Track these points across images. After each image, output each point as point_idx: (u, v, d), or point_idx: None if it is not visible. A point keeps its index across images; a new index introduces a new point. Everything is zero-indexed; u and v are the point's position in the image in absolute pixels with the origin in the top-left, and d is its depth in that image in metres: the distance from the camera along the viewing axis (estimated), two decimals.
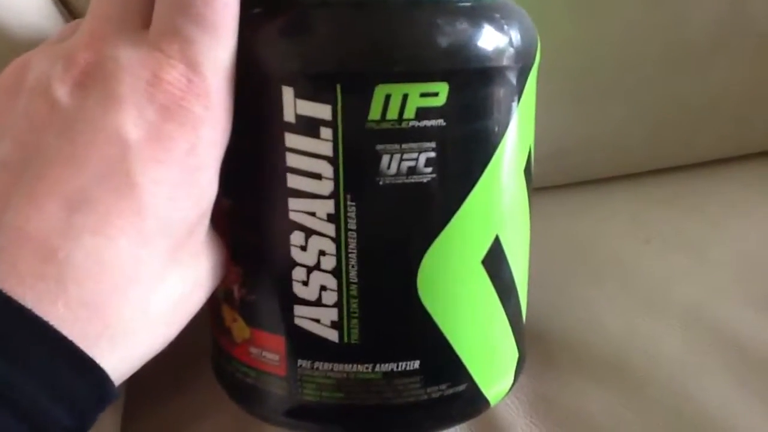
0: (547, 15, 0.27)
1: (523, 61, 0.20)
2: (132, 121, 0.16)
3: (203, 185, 0.17)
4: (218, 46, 0.17)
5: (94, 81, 0.16)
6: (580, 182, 0.37)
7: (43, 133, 0.16)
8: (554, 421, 0.25)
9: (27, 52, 0.18)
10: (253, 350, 0.20)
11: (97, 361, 0.15)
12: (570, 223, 0.34)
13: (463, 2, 0.18)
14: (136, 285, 0.15)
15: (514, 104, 0.20)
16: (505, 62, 0.19)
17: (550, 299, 0.29)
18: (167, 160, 0.16)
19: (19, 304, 0.14)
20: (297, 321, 0.19)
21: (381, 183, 0.18)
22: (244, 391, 0.21)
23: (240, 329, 0.20)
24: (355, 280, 0.19)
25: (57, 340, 0.14)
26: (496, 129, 0.19)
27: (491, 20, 0.19)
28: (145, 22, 0.17)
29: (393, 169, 0.18)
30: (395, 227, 0.19)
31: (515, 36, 0.19)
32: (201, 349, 0.24)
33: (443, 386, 0.20)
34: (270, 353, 0.20)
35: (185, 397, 0.25)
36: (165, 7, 0.17)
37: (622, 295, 0.30)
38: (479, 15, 0.18)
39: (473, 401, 0.21)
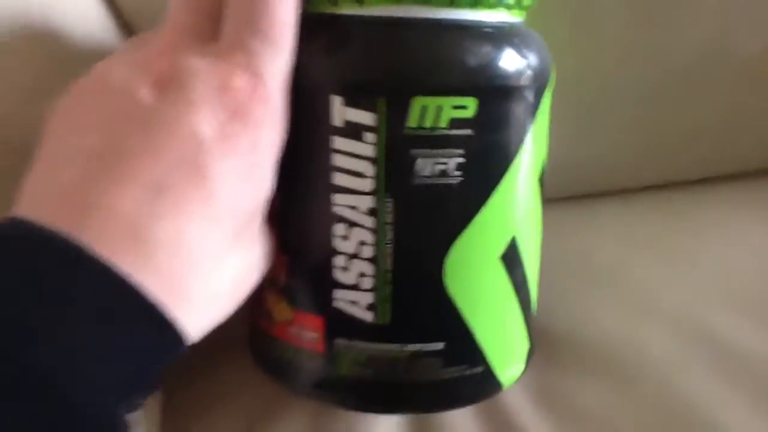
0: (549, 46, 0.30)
1: (539, 82, 0.22)
2: (206, 122, 0.18)
3: (262, 179, 0.20)
4: (278, 58, 0.19)
5: (171, 85, 0.18)
6: (578, 196, 0.40)
7: (128, 128, 0.18)
8: (556, 409, 0.27)
9: (89, 60, 0.21)
10: (294, 330, 0.22)
11: (177, 323, 0.17)
12: (569, 234, 0.37)
13: (487, 27, 0.21)
14: (208, 261, 0.18)
15: (531, 119, 0.22)
16: (523, 82, 0.21)
17: (552, 301, 0.31)
18: (234, 155, 0.18)
19: (120, 273, 0.16)
20: (336, 303, 0.21)
21: (415, 183, 0.20)
22: (282, 367, 0.23)
23: (282, 311, 0.23)
24: (390, 268, 0.21)
25: (148, 305, 0.16)
26: (515, 140, 0.22)
27: (512, 44, 0.21)
28: (215, 35, 0.20)
29: (426, 171, 0.20)
30: (426, 222, 0.21)
31: (532, 59, 0.22)
32: (230, 340, 0.26)
33: (462, 367, 0.22)
34: (310, 332, 0.22)
35: (216, 376, 0.27)
36: (234, 23, 0.19)
37: (617, 299, 0.32)
38: (502, 39, 0.21)
39: (488, 383, 0.23)
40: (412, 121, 0.20)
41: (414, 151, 0.20)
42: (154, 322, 0.16)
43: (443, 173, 0.21)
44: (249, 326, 0.25)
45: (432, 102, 0.20)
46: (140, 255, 0.16)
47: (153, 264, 0.17)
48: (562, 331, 0.30)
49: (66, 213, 0.17)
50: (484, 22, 0.21)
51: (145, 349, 0.16)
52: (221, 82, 0.18)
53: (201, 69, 0.19)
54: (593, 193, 0.40)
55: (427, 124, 0.20)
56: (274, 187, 0.20)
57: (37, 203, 0.17)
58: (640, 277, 0.34)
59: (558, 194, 0.39)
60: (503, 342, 0.23)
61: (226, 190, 0.18)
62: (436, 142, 0.20)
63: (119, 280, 0.16)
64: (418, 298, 0.22)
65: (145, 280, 0.16)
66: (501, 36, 0.21)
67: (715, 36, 0.34)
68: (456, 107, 0.20)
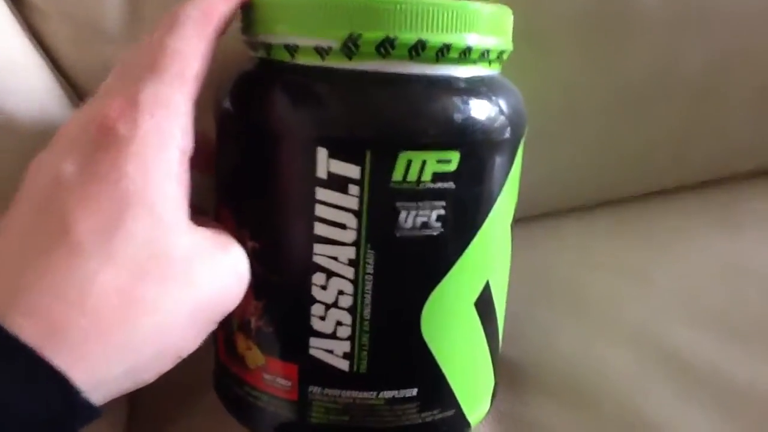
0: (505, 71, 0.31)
1: (516, 134, 0.23)
2: (69, 162, 0.18)
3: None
4: (160, 84, 0.19)
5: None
6: (533, 216, 0.40)
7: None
8: None
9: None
10: (267, 376, 0.22)
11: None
12: (524, 255, 0.37)
13: (470, 81, 0.21)
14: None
15: (508, 169, 0.23)
16: (504, 136, 0.22)
17: (512, 326, 0.32)
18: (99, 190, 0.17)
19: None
20: (312, 351, 0.21)
21: (398, 235, 0.20)
22: (254, 413, 0.23)
23: (254, 357, 0.22)
24: (368, 317, 0.21)
25: (20, 348, 0.16)
26: (494, 191, 0.22)
27: (494, 98, 0.21)
28: None
29: (409, 224, 0.20)
30: (406, 273, 0.21)
31: (511, 113, 0.22)
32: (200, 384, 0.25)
33: (435, 411, 0.23)
34: (283, 379, 0.22)
35: (187, 422, 0.27)
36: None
37: (575, 320, 0.33)
38: (484, 94, 0.21)
39: (458, 424, 0.24)
40: (397, 174, 0.20)
41: (397, 204, 0.20)
42: (23, 363, 0.16)
43: (425, 225, 0.21)
44: (216, 370, 0.25)
45: (417, 156, 0.20)
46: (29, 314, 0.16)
47: (40, 317, 0.16)
48: (523, 356, 0.31)
49: None
50: (468, 77, 0.21)
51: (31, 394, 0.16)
52: (93, 115, 0.19)
53: (82, 110, 0.19)
54: (552, 212, 0.41)
55: (412, 177, 0.20)
56: (248, 235, 0.20)
57: None
58: (598, 296, 0.33)
59: (516, 215, 0.40)
60: (473, 384, 0.24)
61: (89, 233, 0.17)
62: (419, 195, 0.20)
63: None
64: (395, 346, 0.22)
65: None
66: (483, 90, 0.21)
67: (662, 55, 0.35)
68: (440, 161, 0.20)
